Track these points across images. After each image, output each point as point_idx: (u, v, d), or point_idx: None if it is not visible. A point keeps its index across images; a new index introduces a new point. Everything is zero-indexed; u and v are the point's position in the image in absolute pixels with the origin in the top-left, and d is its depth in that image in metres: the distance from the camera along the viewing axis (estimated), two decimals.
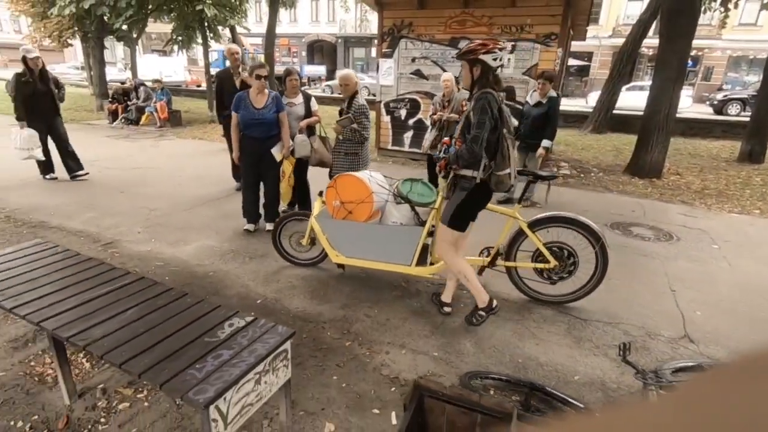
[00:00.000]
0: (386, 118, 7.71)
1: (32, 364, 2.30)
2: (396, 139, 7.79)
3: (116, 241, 3.93)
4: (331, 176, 3.77)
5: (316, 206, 3.29)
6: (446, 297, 2.90)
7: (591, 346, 2.60)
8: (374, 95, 9.82)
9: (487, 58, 2.36)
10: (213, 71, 22.92)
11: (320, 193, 3.31)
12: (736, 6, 9.14)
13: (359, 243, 3.04)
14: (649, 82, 7.93)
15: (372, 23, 29.59)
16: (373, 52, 31.72)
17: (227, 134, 5.65)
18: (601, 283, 2.91)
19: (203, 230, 4.23)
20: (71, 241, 3.89)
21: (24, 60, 5.01)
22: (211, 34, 11.44)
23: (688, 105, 18.85)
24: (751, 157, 8.05)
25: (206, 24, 10.53)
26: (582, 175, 7.03)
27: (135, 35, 14.03)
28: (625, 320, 2.89)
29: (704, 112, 17.39)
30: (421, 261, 2.97)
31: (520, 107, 5.26)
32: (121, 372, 1.71)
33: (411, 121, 7.53)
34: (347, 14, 31.22)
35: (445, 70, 6.98)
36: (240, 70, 5.23)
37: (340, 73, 3.80)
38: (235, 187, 5.65)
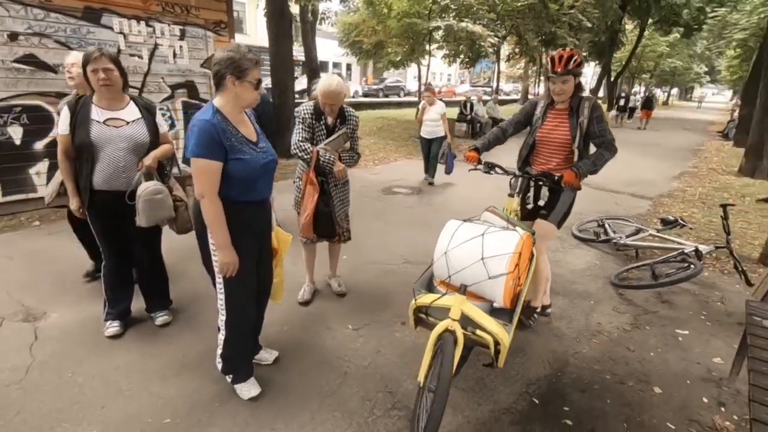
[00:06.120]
0: None
1: None
2: (12, 179, 4.51)
3: None
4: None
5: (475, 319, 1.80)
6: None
7: None
8: None
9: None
10: None
11: (462, 289, 1.82)
12: None
13: None
14: None
15: None
16: None
17: None
18: None
19: None
20: None
21: None
22: None
23: None
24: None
25: None
26: None
27: None
28: None
29: None
30: None
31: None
32: None
33: (40, 145, 4.61)
34: None
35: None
36: None
37: (330, 81, 2.51)
38: None
